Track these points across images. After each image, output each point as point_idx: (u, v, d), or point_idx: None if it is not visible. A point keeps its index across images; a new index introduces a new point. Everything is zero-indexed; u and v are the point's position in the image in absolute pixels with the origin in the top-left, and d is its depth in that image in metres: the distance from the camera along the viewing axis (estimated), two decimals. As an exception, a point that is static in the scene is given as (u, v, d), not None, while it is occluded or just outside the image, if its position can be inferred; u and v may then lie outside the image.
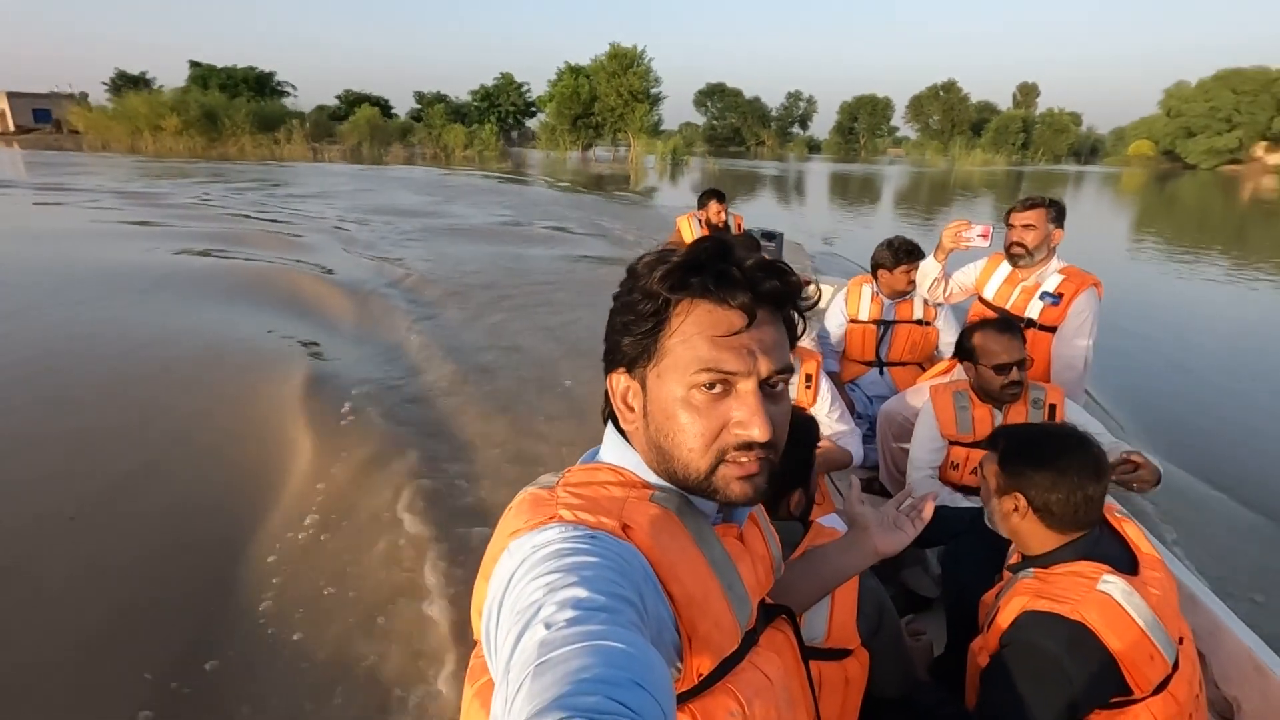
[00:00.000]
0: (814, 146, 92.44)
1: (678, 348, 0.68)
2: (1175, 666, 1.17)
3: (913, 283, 3.04)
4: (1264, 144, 60.30)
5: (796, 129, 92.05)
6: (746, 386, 0.67)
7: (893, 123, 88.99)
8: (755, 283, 0.67)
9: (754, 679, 0.73)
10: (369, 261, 8.24)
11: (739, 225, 4.96)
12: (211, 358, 4.55)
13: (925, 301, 3.11)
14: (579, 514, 0.66)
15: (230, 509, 3.02)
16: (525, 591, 0.56)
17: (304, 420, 3.74)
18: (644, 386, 0.71)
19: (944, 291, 2.92)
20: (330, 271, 7.53)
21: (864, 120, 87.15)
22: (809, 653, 0.91)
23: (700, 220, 4.58)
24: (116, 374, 4.28)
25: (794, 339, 0.74)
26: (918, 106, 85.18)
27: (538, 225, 12.51)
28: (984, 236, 2.59)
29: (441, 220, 12.51)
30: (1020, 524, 1.31)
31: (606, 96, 47.50)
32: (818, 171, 42.07)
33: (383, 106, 61.76)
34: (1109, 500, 1.40)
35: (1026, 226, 2.56)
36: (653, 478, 0.73)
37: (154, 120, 34.09)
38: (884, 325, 3.18)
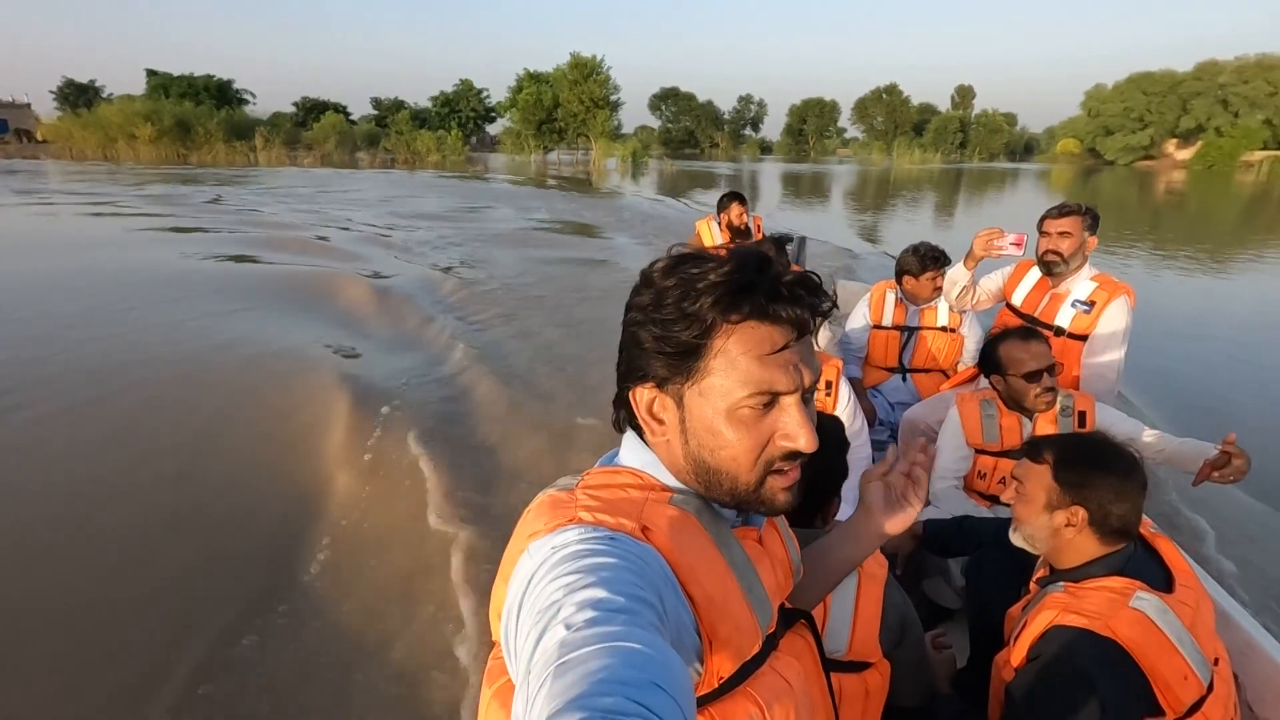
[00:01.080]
0: (766, 148, 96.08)
1: (724, 367, 0.66)
2: (1210, 688, 1.12)
3: (938, 289, 3.00)
4: (1175, 141, 65.70)
5: (749, 131, 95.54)
6: (792, 400, 0.68)
7: (840, 124, 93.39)
8: (797, 299, 0.68)
9: (774, 683, 0.73)
10: (433, 272, 8.50)
11: (759, 227, 4.85)
12: (253, 362, 4.75)
13: (950, 308, 3.05)
14: (598, 515, 0.66)
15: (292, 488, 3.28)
16: (545, 593, 0.56)
17: (344, 421, 3.90)
18: (680, 402, 0.70)
19: (973, 299, 2.85)
20: (383, 276, 7.87)
21: (812, 122, 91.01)
22: (830, 664, 0.93)
23: (721, 224, 4.49)
24: (189, 376, 4.55)
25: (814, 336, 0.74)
26: (862, 109, 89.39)
27: (548, 217, 14.76)
28: (1017, 245, 2.49)
29: (477, 225, 13.20)
30: (1072, 538, 1.26)
31: (569, 103, 49.96)
32: (769, 171, 44.68)
33: (343, 113, 62.27)
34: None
35: (1063, 234, 2.46)
36: (672, 481, 0.73)
37: (128, 129, 34.56)
38: (907, 331, 3.14)
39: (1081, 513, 1.24)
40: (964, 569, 1.85)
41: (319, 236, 10.53)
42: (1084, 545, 1.26)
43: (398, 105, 68.08)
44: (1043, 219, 2.53)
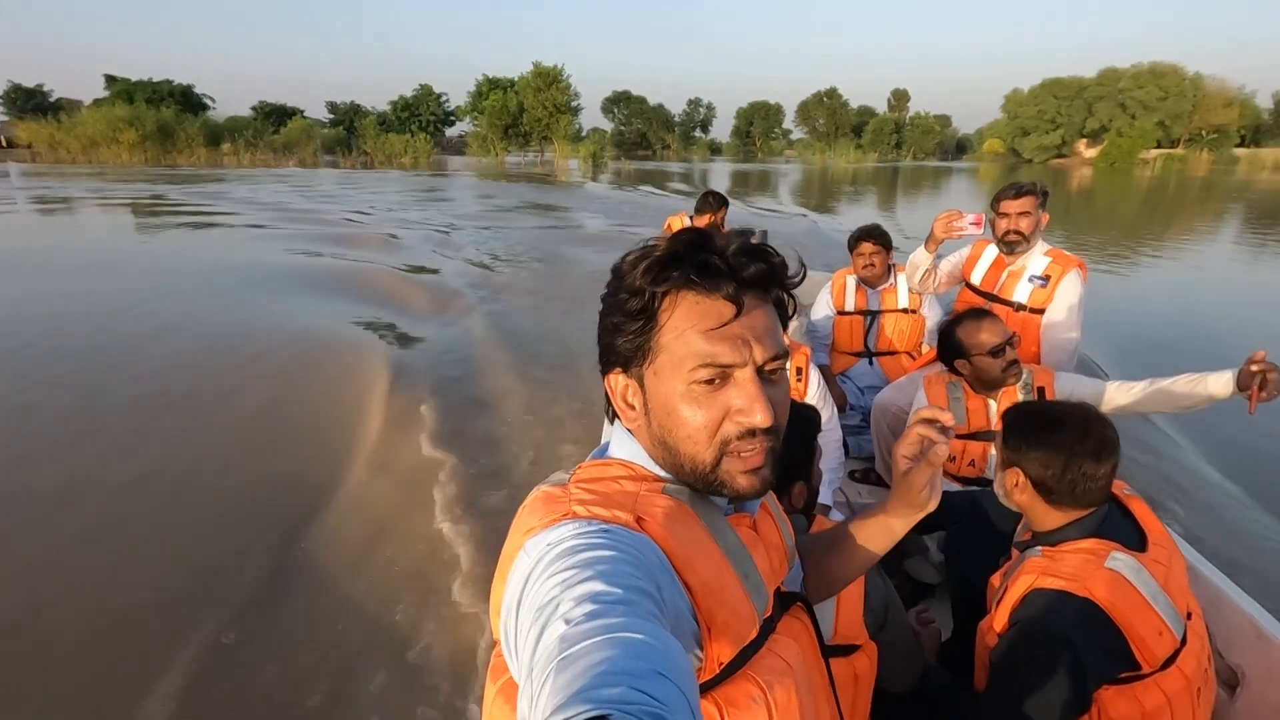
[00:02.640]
0: (715, 149, 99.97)
1: (672, 344, 0.68)
2: (1183, 641, 1.16)
3: (871, 266, 3.09)
4: (1085, 140, 72.23)
5: (699, 133, 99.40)
6: (744, 374, 0.68)
7: (785, 126, 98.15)
8: (738, 269, 0.67)
9: (774, 664, 0.73)
10: (470, 266, 9.31)
11: (722, 222, 4.94)
12: (301, 349, 5.15)
13: (909, 290, 3.10)
14: (592, 509, 0.66)
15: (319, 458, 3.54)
16: (543, 589, 0.56)
17: (382, 402, 4.23)
18: (642, 384, 0.72)
19: (934, 282, 2.88)
20: (433, 271, 8.69)
21: (758, 124, 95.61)
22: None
23: (691, 221, 4.41)
24: (243, 358, 4.95)
25: (785, 320, 0.74)
26: (805, 111, 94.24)
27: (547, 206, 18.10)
28: (976, 224, 2.50)
29: (505, 223, 14.67)
30: (1023, 499, 1.31)
31: (534, 109, 53.40)
32: (720, 170, 48.18)
33: (304, 118, 63.36)
34: (1118, 479, 1.41)
35: (1022, 214, 2.51)
36: (662, 471, 0.74)
37: (111, 134, 35.76)
38: (870, 315, 3.18)
39: (1020, 475, 1.30)
40: (941, 544, 1.85)
41: (390, 235, 11.95)
42: (1039, 507, 1.30)
43: (354, 109, 69.38)
44: (998, 200, 2.57)
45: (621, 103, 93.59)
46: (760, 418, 0.67)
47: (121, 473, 3.37)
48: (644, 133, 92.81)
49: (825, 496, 2.10)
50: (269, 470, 3.44)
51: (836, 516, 2.02)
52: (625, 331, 0.70)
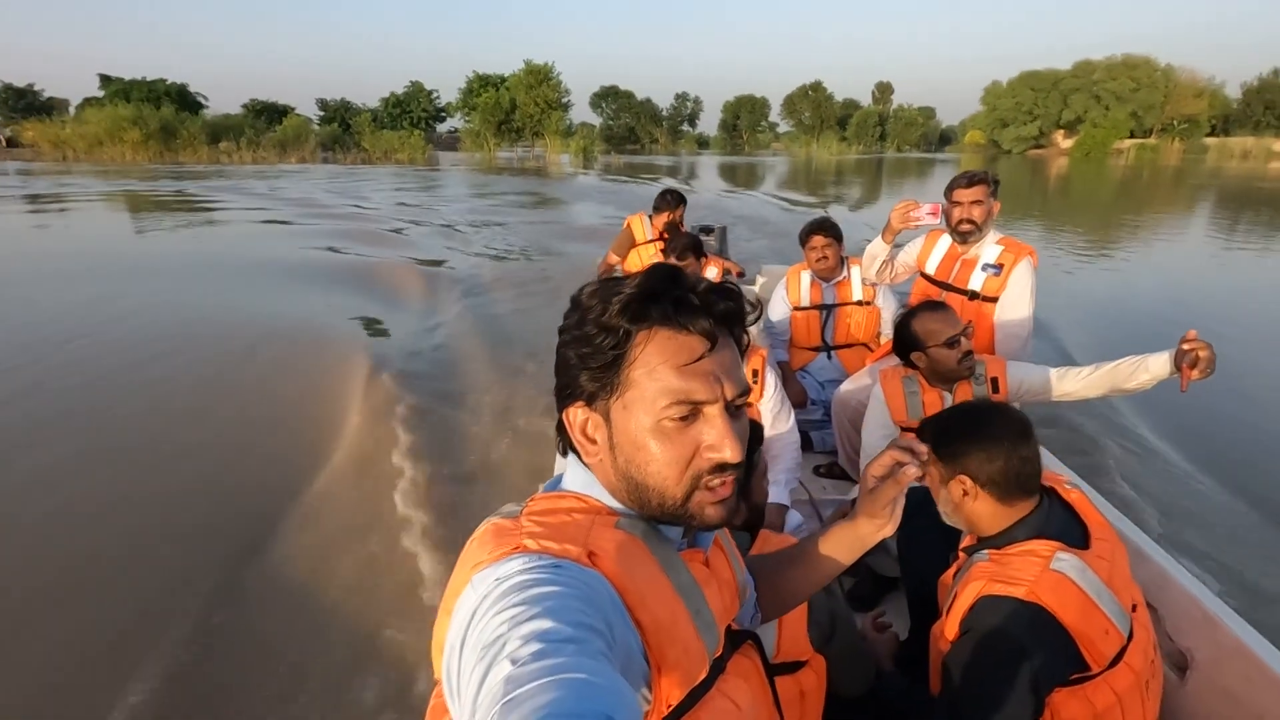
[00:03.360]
0: (703, 143, 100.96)
1: (643, 379, 0.67)
2: (1130, 636, 1.18)
3: (824, 259, 3.10)
4: (1061, 131, 74.18)
5: (686, 127, 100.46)
6: (715, 411, 0.68)
7: (772, 119, 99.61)
8: (710, 306, 0.68)
9: (723, 707, 0.73)
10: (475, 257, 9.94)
11: (681, 219, 4.79)
12: (283, 345, 5.39)
13: (864, 282, 3.11)
14: (543, 543, 0.65)
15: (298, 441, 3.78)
16: (489, 627, 0.55)
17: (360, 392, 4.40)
18: (608, 419, 0.71)
19: (890, 273, 2.89)
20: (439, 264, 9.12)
21: (745, 118, 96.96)
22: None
23: (655, 223, 4.45)
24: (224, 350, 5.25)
25: (743, 353, 0.76)
26: (791, 105, 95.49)
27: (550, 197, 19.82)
28: (933, 214, 2.52)
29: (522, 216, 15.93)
30: (974, 506, 1.30)
31: (525, 106, 55.05)
32: (708, 163, 49.54)
33: (297, 115, 64.07)
34: (1058, 473, 1.43)
35: (975, 203, 2.53)
36: (616, 504, 0.74)
37: (115, 133, 36.70)
38: (826, 309, 3.19)
39: (967, 481, 1.29)
40: (897, 539, 1.84)
41: (397, 224, 13.19)
42: (989, 509, 1.29)
43: (345, 106, 70.10)
44: (951, 189, 2.58)
45: (609, 97, 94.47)
46: (730, 453, 0.68)
47: (82, 474, 3.42)
48: (632, 127, 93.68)
49: (783, 497, 2.15)
50: (232, 479, 3.45)
51: (795, 517, 2.09)
52: (592, 366, 0.69)
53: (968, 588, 1.22)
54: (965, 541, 1.40)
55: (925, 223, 2.56)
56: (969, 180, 2.56)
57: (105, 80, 55.10)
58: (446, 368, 5.11)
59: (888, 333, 3.14)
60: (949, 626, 1.23)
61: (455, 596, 0.64)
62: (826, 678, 1.17)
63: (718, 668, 0.77)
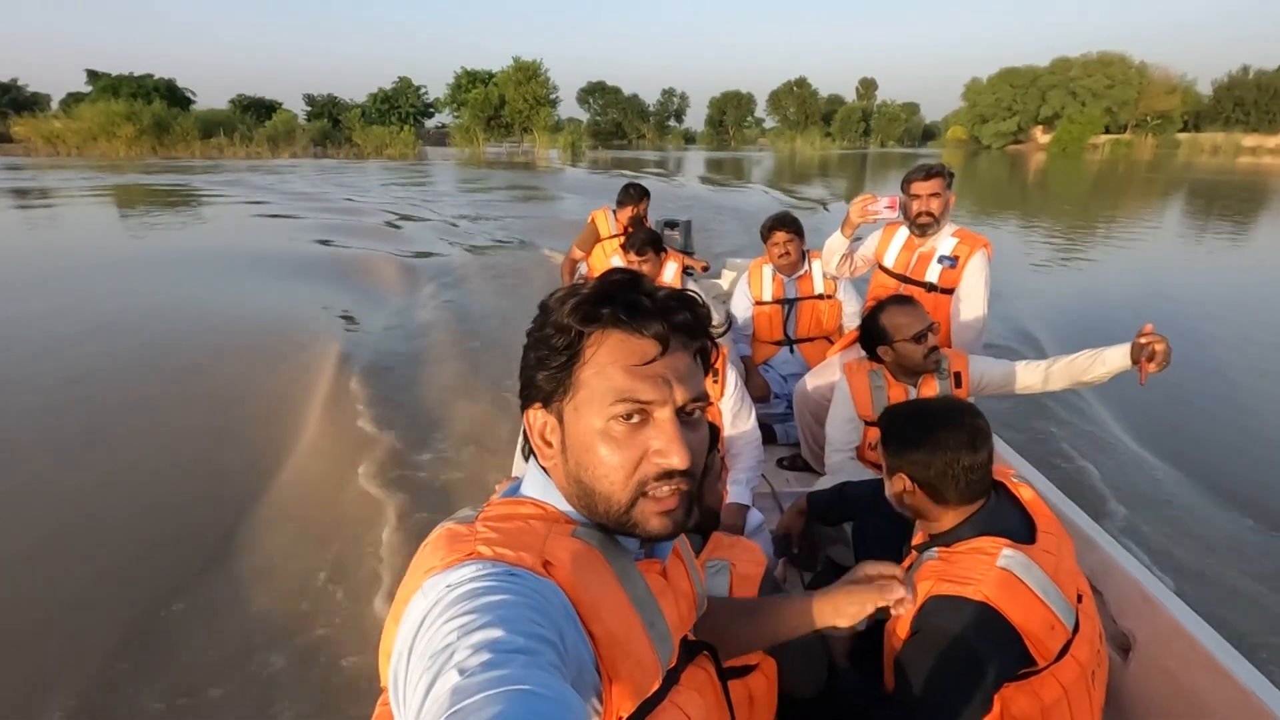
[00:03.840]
0: (690, 138, 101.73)
1: (593, 379, 0.68)
2: (1076, 628, 1.19)
3: (786, 254, 3.11)
4: (1040, 127, 75.77)
5: (673, 122, 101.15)
6: (664, 414, 0.68)
7: (758, 115, 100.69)
8: (667, 312, 0.69)
9: (675, 718, 0.73)
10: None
11: (645, 213, 4.65)
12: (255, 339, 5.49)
13: (824, 275, 3.13)
14: (498, 549, 0.64)
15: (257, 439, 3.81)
16: (438, 635, 0.54)
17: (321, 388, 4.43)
18: (561, 421, 0.71)
19: (850, 266, 2.91)
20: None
21: (731, 113, 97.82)
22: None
23: (619, 217, 4.40)
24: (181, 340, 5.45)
25: (708, 368, 0.75)
26: (776, 100, 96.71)
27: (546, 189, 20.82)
28: (891, 208, 2.53)
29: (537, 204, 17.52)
30: (914, 502, 1.33)
31: (514, 102, 56.44)
32: (694, 158, 50.36)
33: (285, 111, 64.29)
34: (1009, 465, 1.46)
35: (933, 195, 2.56)
36: (574, 512, 0.73)
37: (109, 129, 37.06)
38: (788, 304, 3.20)
39: (906, 480, 1.32)
40: (853, 531, 1.86)
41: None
42: (930, 508, 1.31)
43: (332, 101, 70.32)
44: (908, 182, 2.62)
45: (597, 93, 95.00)
46: (677, 459, 0.67)
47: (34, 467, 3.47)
48: (619, 123, 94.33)
49: (744, 496, 2.16)
50: (186, 486, 3.39)
51: (756, 516, 2.09)
52: (549, 366, 0.70)
53: (918, 587, 1.23)
54: (917, 539, 1.42)
55: (883, 216, 2.60)
56: (925, 173, 2.61)
57: (93, 76, 55.11)
58: (415, 364, 5.11)
59: (849, 325, 3.19)
60: (900, 624, 1.24)
61: (405, 603, 0.63)
62: (779, 679, 1.18)
63: (671, 679, 0.77)
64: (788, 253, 3.14)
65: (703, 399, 0.72)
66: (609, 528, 0.72)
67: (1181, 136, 70.01)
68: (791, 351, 3.29)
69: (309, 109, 69.74)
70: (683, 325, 0.70)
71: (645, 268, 2.90)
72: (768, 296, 3.25)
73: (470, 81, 60.05)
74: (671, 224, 5.42)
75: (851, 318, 3.19)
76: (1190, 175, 29.67)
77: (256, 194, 17.66)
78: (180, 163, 31.80)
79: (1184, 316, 6.72)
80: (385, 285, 7.62)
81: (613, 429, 0.68)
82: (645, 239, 3.00)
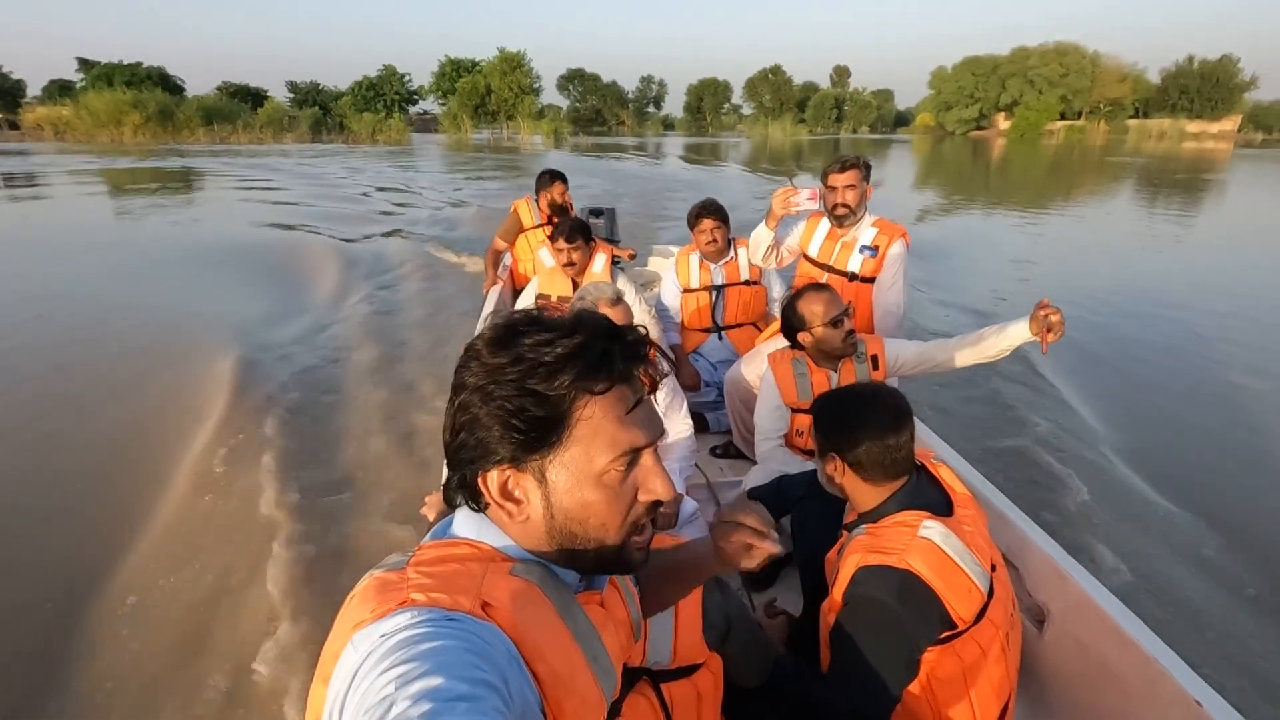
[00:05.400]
0: (669, 125, 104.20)
1: (587, 436, 0.66)
2: (990, 593, 1.26)
3: (713, 242, 3.13)
4: (1002, 114, 79.38)
5: (652, 109, 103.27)
6: (649, 454, 0.69)
7: (735, 101, 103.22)
8: (641, 357, 0.69)
9: None
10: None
11: (570, 205, 4.48)
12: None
13: (750, 262, 3.16)
14: (432, 595, 0.61)
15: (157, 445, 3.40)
16: (374, 687, 0.51)
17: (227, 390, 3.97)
18: (542, 478, 0.68)
19: (776, 257, 2.96)
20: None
21: (709, 100, 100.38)
22: (658, 675, 0.97)
23: (540, 203, 4.28)
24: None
25: (654, 389, 0.76)
26: (752, 88, 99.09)
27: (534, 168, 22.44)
28: (813, 199, 2.58)
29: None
30: (845, 482, 1.40)
31: (500, 90, 59.37)
32: (673, 143, 52.63)
33: (272, 99, 65.70)
34: (929, 447, 1.54)
35: (848, 187, 2.62)
36: (514, 550, 0.71)
37: (116, 117, 38.39)
38: (715, 290, 3.23)
39: (837, 461, 1.39)
40: (791, 520, 1.87)
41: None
42: (860, 487, 1.39)
43: (315, 88, 71.64)
44: (826, 174, 2.68)
45: (576, 80, 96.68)
46: (663, 491, 0.69)
47: None
48: (599, 109, 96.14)
49: (678, 486, 2.16)
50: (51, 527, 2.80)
51: (690, 504, 2.14)
52: (523, 433, 0.66)
53: (847, 561, 1.29)
54: (848, 518, 1.48)
55: (805, 207, 2.62)
56: (841, 165, 2.65)
57: (84, 64, 56.28)
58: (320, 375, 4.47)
59: (775, 311, 3.25)
60: (833, 600, 1.30)
61: (334, 659, 0.59)
62: (726, 672, 1.22)
63: (614, 710, 0.81)
64: (715, 240, 3.16)
65: (663, 429, 0.74)
66: (582, 567, 0.73)
67: (1131, 123, 73.86)
68: (720, 338, 3.31)
69: (292, 96, 71.05)
70: (646, 360, 0.71)
71: (575, 255, 2.98)
72: (695, 283, 3.27)
73: (455, 70, 62.30)
74: (596, 212, 5.39)
75: (776, 303, 3.28)
76: (1139, 159, 31.51)
77: (299, 181, 17.82)
78: (201, 147, 33.06)
79: (1129, 290, 7.08)
80: (316, 279, 7.06)
81: (608, 478, 0.68)
82: (575, 227, 3.02)
